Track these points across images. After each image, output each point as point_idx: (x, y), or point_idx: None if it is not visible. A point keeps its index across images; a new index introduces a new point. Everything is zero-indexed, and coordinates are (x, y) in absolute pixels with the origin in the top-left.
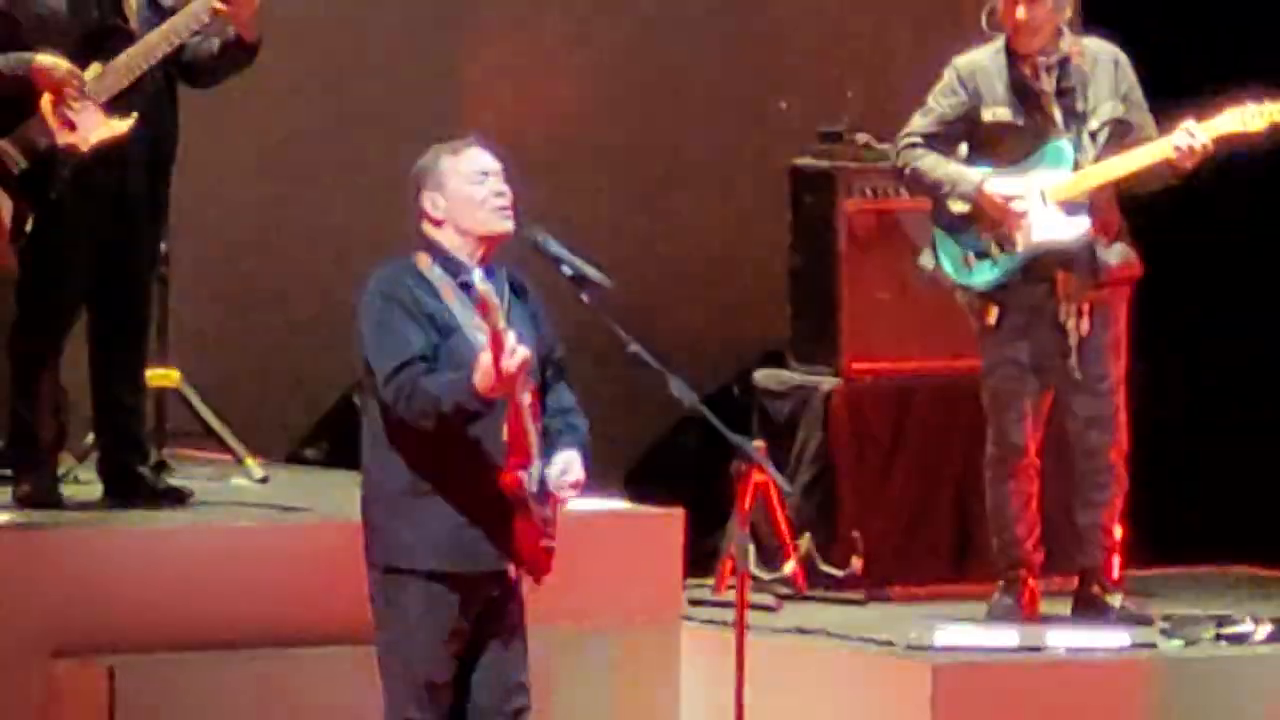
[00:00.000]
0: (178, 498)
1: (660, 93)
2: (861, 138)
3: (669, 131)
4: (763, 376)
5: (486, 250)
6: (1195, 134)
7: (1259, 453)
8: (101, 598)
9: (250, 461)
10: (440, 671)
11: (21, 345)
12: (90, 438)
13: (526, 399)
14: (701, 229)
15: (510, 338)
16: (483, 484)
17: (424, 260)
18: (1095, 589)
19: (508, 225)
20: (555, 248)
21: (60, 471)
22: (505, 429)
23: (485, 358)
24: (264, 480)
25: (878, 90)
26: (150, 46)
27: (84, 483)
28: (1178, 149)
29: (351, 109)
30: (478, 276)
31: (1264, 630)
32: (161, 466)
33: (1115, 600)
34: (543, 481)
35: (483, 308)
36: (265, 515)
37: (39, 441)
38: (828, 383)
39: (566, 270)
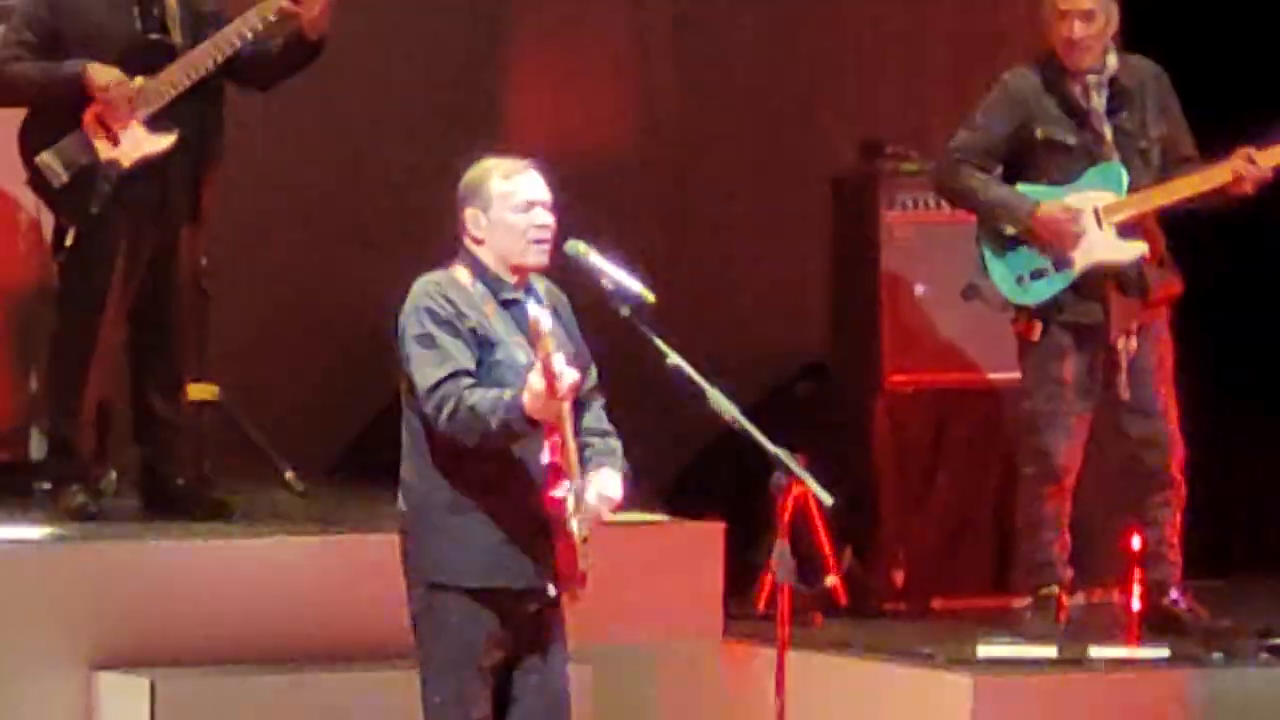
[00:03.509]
0: (218, 511)
1: (701, 105)
2: (902, 150)
3: (710, 144)
4: (803, 389)
5: (522, 274)
6: (1255, 160)
7: None
8: (142, 611)
9: (291, 475)
10: (479, 688)
11: (61, 358)
12: (131, 451)
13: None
14: (742, 241)
15: (559, 361)
16: (523, 502)
17: (464, 274)
18: (1167, 601)
19: (541, 260)
20: (596, 260)
21: (100, 485)
22: (547, 449)
23: (536, 381)
24: (304, 494)
25: (916, 102)
26: (195, 62)
27: (124, 496)
28: (1236, 174)
29: (393, 124)
30: (532, 305)
31: None
32: (202, 480)
33: (1187, 611)
34: (580, 500)
35: (534, 334)
36: (306, 529)
37: (78, 454)
38: (868, 395)
39: (607, 283)
